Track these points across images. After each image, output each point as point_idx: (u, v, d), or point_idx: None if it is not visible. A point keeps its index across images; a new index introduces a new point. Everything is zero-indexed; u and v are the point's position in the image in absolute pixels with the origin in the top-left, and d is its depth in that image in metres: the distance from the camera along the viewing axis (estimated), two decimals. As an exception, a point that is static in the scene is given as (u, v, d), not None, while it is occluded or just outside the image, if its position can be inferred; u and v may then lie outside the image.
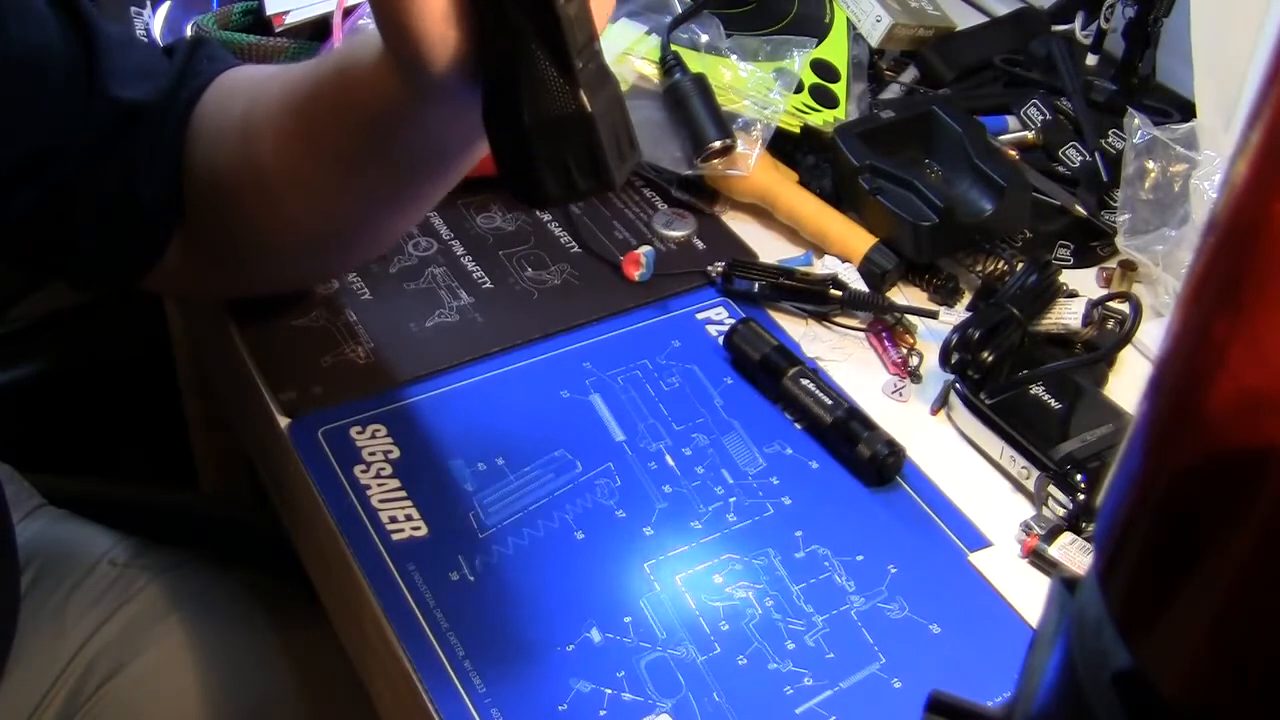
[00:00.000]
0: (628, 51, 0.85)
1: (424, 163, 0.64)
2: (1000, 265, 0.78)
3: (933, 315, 0.75)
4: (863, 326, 0.77)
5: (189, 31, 0.87)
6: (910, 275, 0.79)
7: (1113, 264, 0.81)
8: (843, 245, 0.79)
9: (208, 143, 0.66)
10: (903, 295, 0.79)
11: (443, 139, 0.62)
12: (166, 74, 0.67)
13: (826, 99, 0.87)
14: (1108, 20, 0.92)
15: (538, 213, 0.83)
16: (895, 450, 0.67)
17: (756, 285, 0.77)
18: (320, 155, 0.63)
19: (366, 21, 0.86)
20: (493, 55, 0.55)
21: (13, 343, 1.28)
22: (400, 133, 0.60)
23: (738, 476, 0.68)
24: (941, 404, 0.72)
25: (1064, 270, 0.77)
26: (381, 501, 0.65)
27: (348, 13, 0.87)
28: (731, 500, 0.66)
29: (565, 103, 0.53)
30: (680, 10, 0.88)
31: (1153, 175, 0.77)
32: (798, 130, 0.85)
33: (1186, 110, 0.85)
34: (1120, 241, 0.78)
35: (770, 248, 0.82)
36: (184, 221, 0.68)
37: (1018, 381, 0.70)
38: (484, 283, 0.78)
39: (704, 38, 0.88)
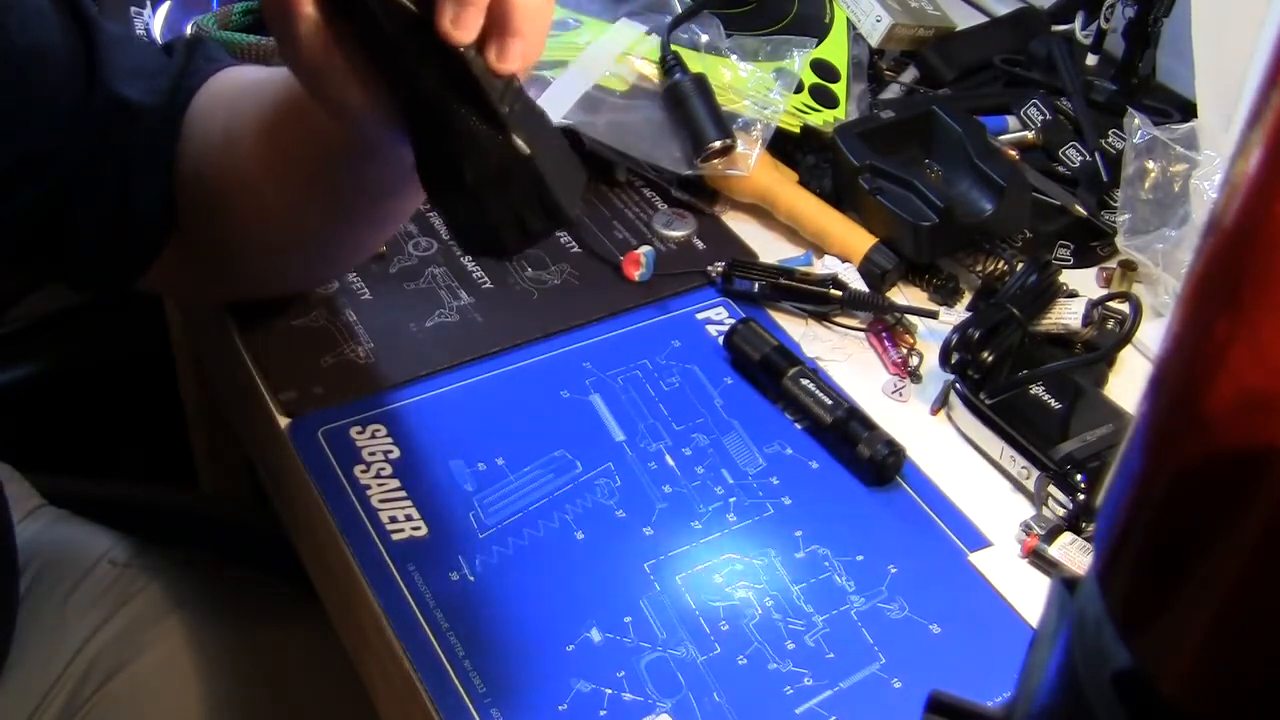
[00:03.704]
0: (628, 51, 0.85)
1: (380, 182, 0.64)
2: (1000, 265, 0.78)
3: (933, 315, 0.75)
4: (863, 326, 0.77)
5: (189, 32, 0.87)
6: (910, 275, 0.79)
7: (1113, 264, 0.81)
8: (843, 245, 0.79)
9: (195, 145, 0.66)
10: (903, 295, 0.79)
11: (385, 172, 0.62)
12: (165, 74, 0.67)
13: (826, 99, 0.87)
14: (1108, 20, 0.92)
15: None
16: (895, 450, 0.67)
17: (756, 285, 0.77)
18: (285, 170, 0.63)
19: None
20: (415, 122, 0.54)
21: (13, 343, 1.28)
22: (349, 158, 0.61)
23: (738, 476, 0.68)
24: (941, 404, 0.72)
25: (1064, 270, 0.77)
26: (381, 501, 0.65)
27: (348, 13, 0.87)
28: (731, 500, 0.66)
29: (502, 153, 0.52)
30: (680, 10, 0.88)
31: (1153, 175, 0.77)
32: (798, 130, 0.85)
33: (1186, 110, 0.85)
34: (1120, 241, 0.78)
35: (770, 248, 0.82)
36: (177, 223, 0.68)
37: (1018, 381, 0.70)
38: (484, 283, 0.78)
39: (704, 38, 0.88)
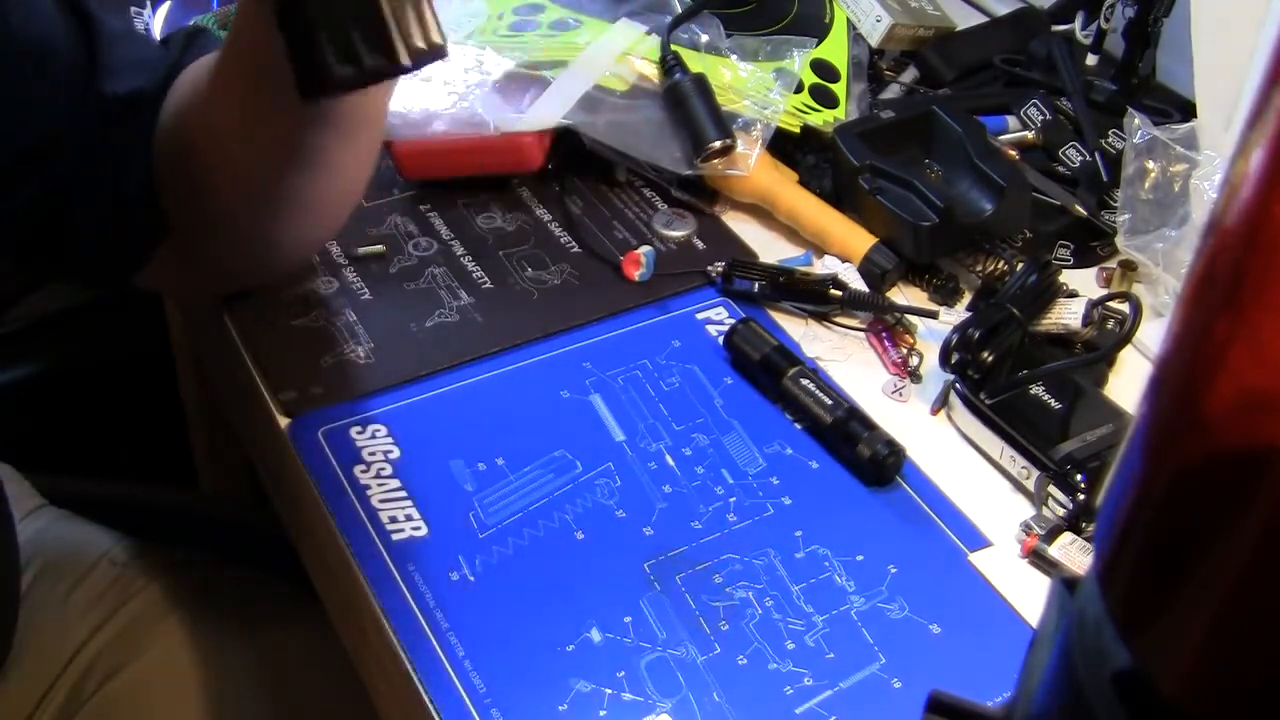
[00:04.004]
0: (628, 51, 0.85)
1: (336, 113, 0.64)
2: (1000, 265, 0.78)
3: (933, 315, 0.75)
4: (863, 326, 0.77)
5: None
6: (910, 275, 0.79)
7: (1113, 264, 0.81)
8: (843, 245, 0.79)
9: (170, 120, 0.66)
10: (903, 295, 0.79)
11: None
12: (163, 65, 0.67)
13: (826, 99, 0.87)
14: (1108, 20, 0.92)
15: (538, 213, 0.83)
16: (895, 450, 0.67)
17: (756, 285, 0.77)
18: (245, 101, 0.63)
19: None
20: None
21: (13, 343, 1.28)
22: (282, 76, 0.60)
23: (738, 476, 0.68)
24: (941, 404, 0.72)
25: (1064, 270, 0.77)
26: (381, 501, 0.65)
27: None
28: (731, 500, 0.66)
29: None
30: (680, 10, 0.88)
31: (1153, 175, 0.77)
32: (798, 130, 0.85)
33: (1186, 110, 0.85)
34: (1120, 241, 0.78)
35: (770, 248, 0.82)
36: (167, 208, 0.68)
37: (1018, 381, 0.70)
38: (484, 283, 0.78)
39: (704, 38, 0.88)
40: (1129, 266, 0.79)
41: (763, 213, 0.84)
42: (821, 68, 0.89)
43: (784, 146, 0.85)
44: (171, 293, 0.99)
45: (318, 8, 0.52)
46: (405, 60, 0.53)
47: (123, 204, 0.66)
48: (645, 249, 0.79)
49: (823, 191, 0.83)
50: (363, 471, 0.67)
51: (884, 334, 0.76)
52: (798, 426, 0.70)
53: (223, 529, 1.06)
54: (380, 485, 0.66)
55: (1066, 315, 0.74)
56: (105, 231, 0.67)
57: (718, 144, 0.80)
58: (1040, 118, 0.86)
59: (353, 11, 0.52)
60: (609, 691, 0.58)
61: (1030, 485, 0.66)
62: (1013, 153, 0.84)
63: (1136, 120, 0.79)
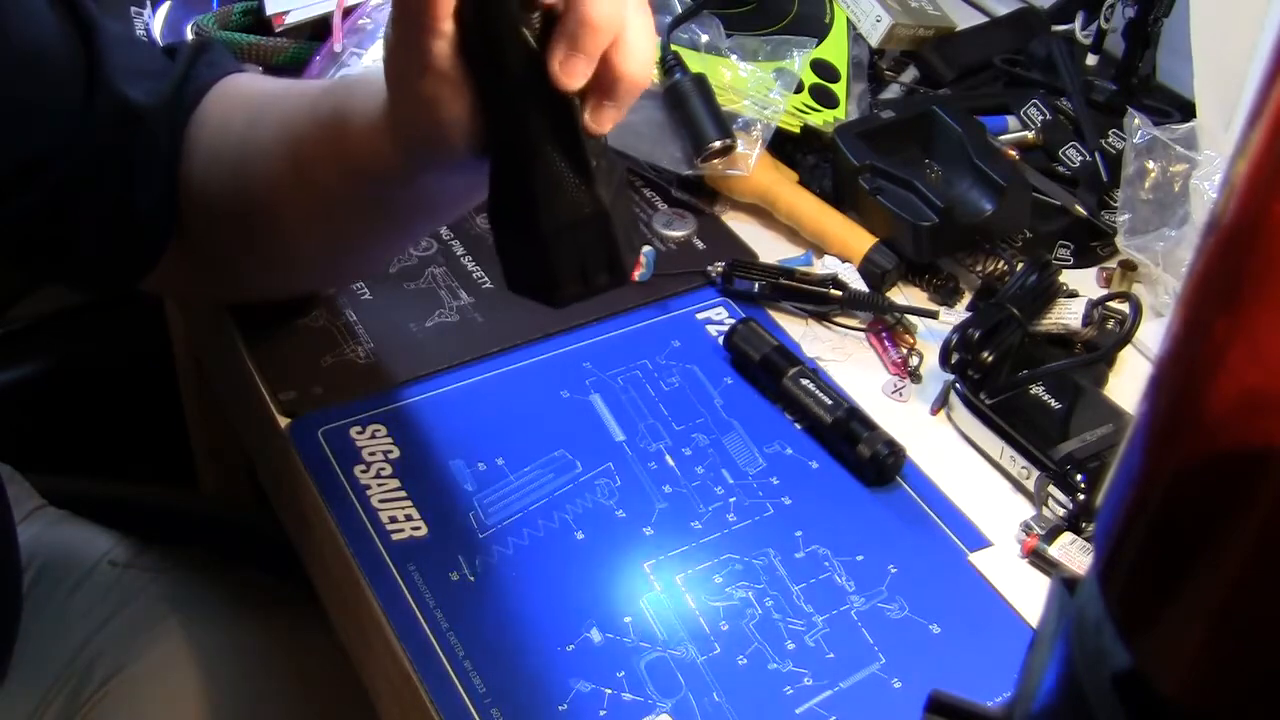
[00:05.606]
0: (628, 51, 0.85)
1: (416, 213, 0.64)
2: (1000, 265, 0.78)
3: (933, 315, 0.75)
4: (863, 326, 0.77)
5: (189, 32, 0.87)
6: (910, 275, 0.79)
7: (1113, 264, 0.81)
8: (843, 245, 0.79)
9: (203, 161, 0.66)
10: (903, 295, 0.79)
11: (437, 197, 0.62)
12: (168, 76, 0.67)
13: (826, 99, 0.87)
14: (1108, 20, 0.92)
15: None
16: (895, 450, 0.67)
17: (756, 285, 0.77)
18: (311, 197, 0.63)
19: (366, 21, 0.86)
20: (503, 156, 0.54)
21: (13, 343, 1.28)
22: (394, 191, 0.60)
23: (738, 476, 0.68)
24: (941, 404, 0.72)
25: (1064, 270, 0.77)
26: (381, 501, 0.65)
27: (348, 13, 0.87)
28: (731, 500, 0.66)
29: (583, 204, 0.53)
30: (680, 10, 0.88)
31: (1153, 175, 0.77)
32: (798, 130, 0.85)
33: (1186, 110, 0.85)
34: (1120, 241, 0.78)
35: (770, 248, 0.82)
36: (179, 229, 0.68)
37: (1018, 381, 0.70)
38: (484, 283, 0.78)
39: (704, 38, 0.88)
40: (1129, 266, 0.79)
41: (763, 213, 0.84)
42: (821, 68, 0.89)
43: (784, 146, 0.85)
44: (172, 294, 0.99)
45: (552, 224, 0.53)
46: (630, 277, 0.55)
47: (133, 215, 0.66)
48: (645, 249, 0.79)
49: (823, 191, 0.83)
50: (363, 471, 0.67)
51: (884, 334, 0.76)
52: (798, 426, 0.70)
53: (223, 529, 1.06)
54: (380, 485, 0.66)
55: (1066, 315, 0.74)
56: (108, 239, 0.67)
57: (718, 144, 0.80)
58: (1040, 118, 0.86)
59: (592, 239, 0.54)
60: (609, 691, 0.58)
61: (1030, 485, 0.66)
62: (1013, 153, 0.84)
63: (1136, 120, 0.79)
